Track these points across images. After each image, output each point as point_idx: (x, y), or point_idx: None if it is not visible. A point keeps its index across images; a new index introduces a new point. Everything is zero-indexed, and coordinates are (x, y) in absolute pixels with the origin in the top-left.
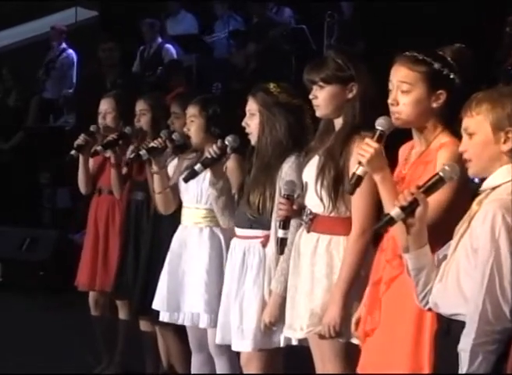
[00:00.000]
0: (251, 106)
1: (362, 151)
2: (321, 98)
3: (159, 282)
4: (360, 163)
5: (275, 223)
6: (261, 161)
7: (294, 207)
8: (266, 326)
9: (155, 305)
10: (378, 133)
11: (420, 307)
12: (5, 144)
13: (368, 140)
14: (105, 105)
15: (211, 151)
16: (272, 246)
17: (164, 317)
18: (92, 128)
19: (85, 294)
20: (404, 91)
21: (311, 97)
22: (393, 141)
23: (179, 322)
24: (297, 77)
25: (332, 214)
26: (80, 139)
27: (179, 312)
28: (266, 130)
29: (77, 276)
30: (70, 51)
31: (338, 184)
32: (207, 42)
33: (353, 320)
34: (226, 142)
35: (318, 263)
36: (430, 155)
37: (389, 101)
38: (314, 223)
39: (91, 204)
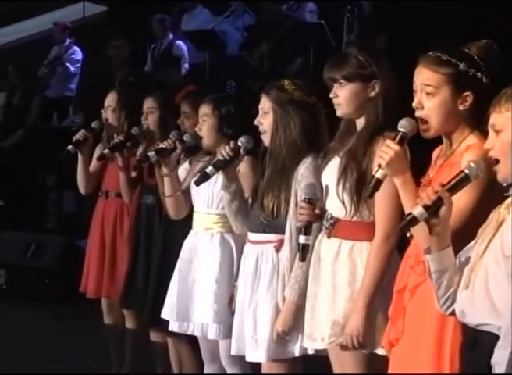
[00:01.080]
0: (264, 104)
1: (382, 154)
2: (342, 96)
3: (169, 290)
4: (379, 166)
5: (290, 227)
6: (275, 162)
7: (316, 211)
8: (279, 336)
9: (164, 314)
10: (400, 135)
11: (441, 316)
12: (4, 142)
13: (388, 141)
14: (108, 99)
15: (224, 152)
16: (286, 251)
17: (173, 327)
18: (93, 124)
19: (94, 303)
20: (429, 93)
21: (331, 95)
22: (424, 144)
23: (189, 332)
24: (315, 75)
25: (355, 218)
26: (79, 134)
27: (188, 322)
28: (280, 129)
29: (84, 281)
30: (76, 48)
31: (361, 187)
32: (220, 38)
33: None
34: (239, 143)
35: (339, 271)
36: (456, 157)
37: (414, 104)
38: (335, 227)
39: (97, 207)
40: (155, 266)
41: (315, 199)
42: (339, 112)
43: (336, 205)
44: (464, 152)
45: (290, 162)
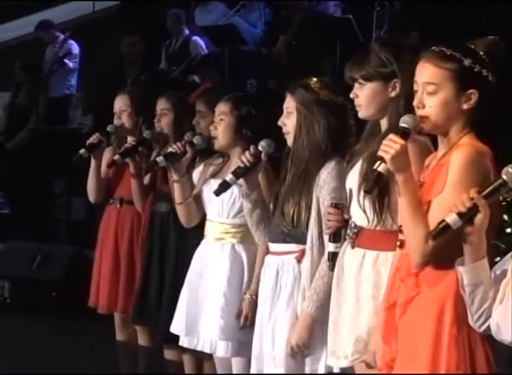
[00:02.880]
0: (289, 104)
1: (386, 147)
2: (362, 97)
3: (178, 302)
4: (382, 159)
5: (311, 236)
6: (296, 166)
7: (345, 216)
8: (293, 351)
9: (174, 329)
10: (401, 130)
11: (436, 333)
12: (8, 144)
13: (392, 135)
14: (119, 103)
15: (244, 159)
16: (307, 262)
17: (183, 342)
18: (109, 128)
19: (104, 319)
20: (430, 92)
21: (351, 96)
22: None
23: (199, 348)
24: (343, 74)
25: (378, 228)
26: (93, 138)
27: (198, 338)
28: (303, 131)
29: (93, 296)
30: (71, 41)
31: (383, 194)
32: (240, 33)
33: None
34: (260, 148)
35: (363, 283)
36: (446, 157)
37: (415, 103)
38: (358, 237)
39: (107, 215)
40: (169, 278)
41: (343, 204)
42: (360, 114)
43: (359, 213)
44: (453, 152)
45: (313, 166)
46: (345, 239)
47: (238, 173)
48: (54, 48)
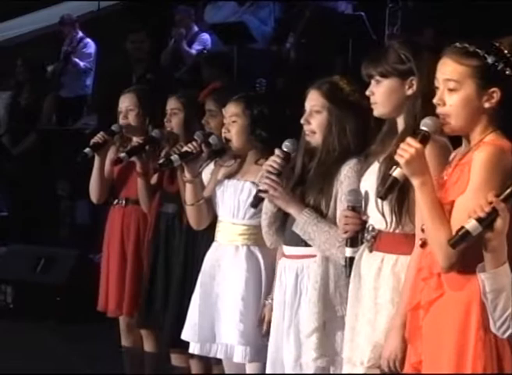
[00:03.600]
0: (316, 101)
1: (401, 151)
2: (378, 94)
3: (190, 308)
4: (397, 164)
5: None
6: (320, 166)
7: (364, 218)
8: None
9: (185, 335)
10: (421, 133)
11: (461, 336)
12: (14, 149)
13: (409, 139)
14: (126, 102)
15: (275, 165)
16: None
17: (194, 349)
18: (114, 127)
19: (110, 324)
20: (451, 89)
21: (367, 93)
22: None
23: (212, 354)
24: (354, 72)
25: (397, 231)
26: (98, 137)
27: (211, 344)
28: (334, 131)
29: (102, 300)
30: (88, 40)
31: (402, 196)
32: (250, 31)
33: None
34: (285, 148)
35: (381, 287)
36: (469, 156)
37: (435, 100)
38: (377, 240)
39: (112, 216)
40: (176, 281)
41: (360, 206)
42: (375, 112)
43: (377, 216)
44: (475, 150)
45: (338, 166)
46: (362, 243)
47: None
48: (69, 46)
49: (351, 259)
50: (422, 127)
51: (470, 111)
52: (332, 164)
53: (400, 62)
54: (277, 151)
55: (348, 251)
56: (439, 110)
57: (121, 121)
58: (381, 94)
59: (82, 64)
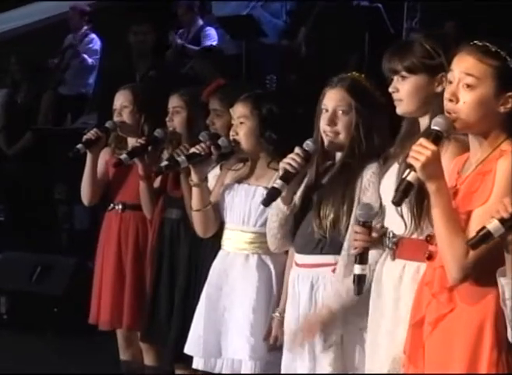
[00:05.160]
0: (343, 101)
1: (416, 154)
2: (404, 90)
3: (194, 320)
4: (411, 167)
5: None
6: (343, 168)
7: (373, 235)
8: None
9: (188, 350)
10: (434, 133)
11: (472, 355)
12: (10, 149)
13: (423, 140)
14: (120, 99)
15: (294, 163)
16: (338, 273)
17: (198, 364)
18: (108, 124)
19: (108, 336)
20: (469, 84)
21: (390, 90)
22: None
23: (216, 370)
24: (371, 68)
25: (415, 235)
26: (91, 133)
27: (216, 359)
28: (361, 133)
29: (94, 312)
30: (94, 36)
31: (422, 200)
32: (259, 25)
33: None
34: (306, 147)
35: (403, 297)
36: (489, 164)
37: (446, 95)
38: (398, 247)
39: (107, 222)
40: (180, 291)
41: (371, 222)
42: (399, 110)
43: (396, 221)
44: (498, 159)
45: (360, 171)
46: (384, 250)
47: (287, 178)
48: (75, 39)
49: (359, 277)
50: (434, 127)
51: (482, 113)
52: (356, 168)
53: (429, 56)
54: (297, 150)
55: (357, 269)
56: (450, 106)
57: (115, 118)
58: (407, 91)
59: (90, 60)
